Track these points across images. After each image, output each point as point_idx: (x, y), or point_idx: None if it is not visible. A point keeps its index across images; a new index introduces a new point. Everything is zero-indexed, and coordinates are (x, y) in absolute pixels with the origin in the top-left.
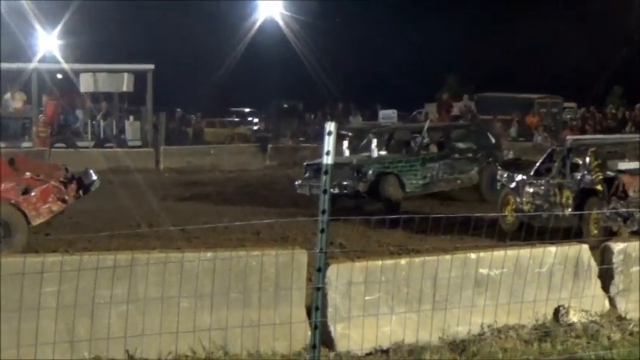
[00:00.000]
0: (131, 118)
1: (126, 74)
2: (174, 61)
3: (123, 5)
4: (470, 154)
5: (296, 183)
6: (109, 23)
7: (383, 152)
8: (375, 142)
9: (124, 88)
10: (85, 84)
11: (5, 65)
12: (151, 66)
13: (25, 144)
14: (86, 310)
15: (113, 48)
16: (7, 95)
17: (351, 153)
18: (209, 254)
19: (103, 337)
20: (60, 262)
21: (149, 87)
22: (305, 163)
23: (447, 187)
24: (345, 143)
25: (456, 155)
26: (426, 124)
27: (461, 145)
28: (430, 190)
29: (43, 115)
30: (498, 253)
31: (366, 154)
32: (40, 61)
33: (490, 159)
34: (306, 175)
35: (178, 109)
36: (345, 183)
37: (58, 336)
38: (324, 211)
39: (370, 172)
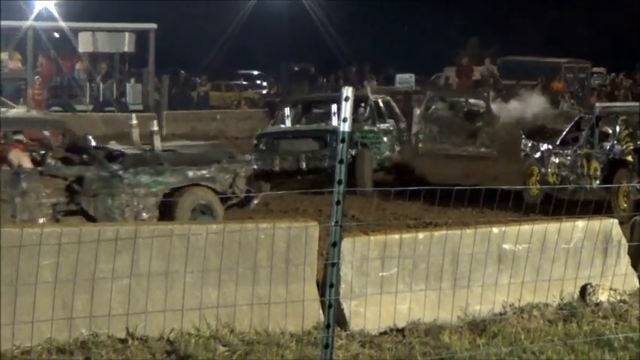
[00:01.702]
0: (132, 80)
1: (127, 34)
2: (177, 21)
3: None
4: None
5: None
6: None
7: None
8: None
9: (125, 49)
10: (84, 44)
11: None
12: (154, 25)
13: (17, 106)
14: (85, 284)
15: (114, 6)
16: (2, 55)
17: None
18: (216, 227)
19: (102, 314)
20: (59, 234)
21: (151, 48)
22: (258, 133)
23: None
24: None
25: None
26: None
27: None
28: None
29: (39, 76)
30: (523, 228)
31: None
32: (37, 18)
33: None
34: (261, 146)
35: (182, 72)
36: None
37: (56, 312)
38: (340, 182)
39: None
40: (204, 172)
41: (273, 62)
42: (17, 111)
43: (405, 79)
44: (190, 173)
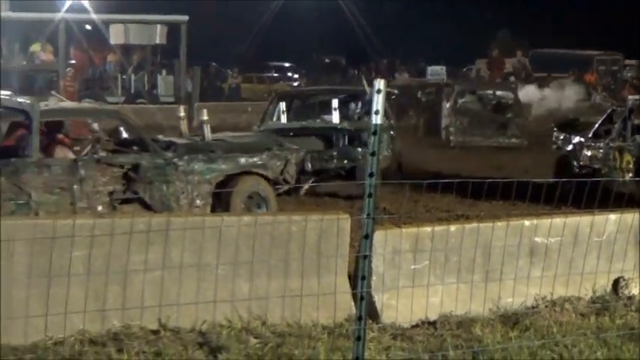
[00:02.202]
0: (164, 72)
1: (159, 26)
2: (209, 13)
3: None
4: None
5: None
6: None
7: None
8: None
9: (157, 41)
10: (116, 36)
11: (32, 15)
12: (185, 17)
13: (53, 97)
14: (117, 276)
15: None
16: (34, 47)
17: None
18: (248, 219)
19: (135, 306)
20: (91, 226)
21: (183, 40)
22: (255, 130)
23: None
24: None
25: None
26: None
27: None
28: None
29: (71, 68)
30: (555, 221)
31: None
32: (69, 11)
33: None
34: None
35: (213, 64)
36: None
37: (88, 304)
38: (371, 174)
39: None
40: (255, 159)
41: (305, 54)
42: (69, 103)
43: (437, 72)
44: (242, 160)
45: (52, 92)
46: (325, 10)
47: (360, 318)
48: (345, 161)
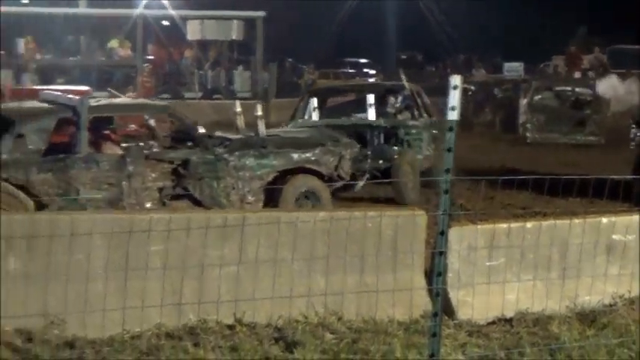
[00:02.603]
0: (240, 68)
1: (235, 22)
2: (286, 8)
3: None
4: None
5: None
6: None
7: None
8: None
9: (233, 37)
10: (193, 31)
11: (110, 12)
12: (262, 13)
13: (130, 94)
14: (194, 271)
15: None
16: (112, 43)
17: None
18: (323, 214)
19: (211, 301)
20: (167, 220)
21: (259, 35)
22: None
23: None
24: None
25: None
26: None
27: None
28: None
29: (149, 64)
30: (633, 218)
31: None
32: (146, 7)
33: None
34: None
35: (290, 60)
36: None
37: (165, 298)
38: (447, 170)
39: (404, 135)
40: (308, 154)
41: (381, 50)
42: (123, 98)
43: (514, 68)
44: (295, 156)
45: (109, 89)
46: (402, 5)
47: (435, 314)
48: (380, 161)
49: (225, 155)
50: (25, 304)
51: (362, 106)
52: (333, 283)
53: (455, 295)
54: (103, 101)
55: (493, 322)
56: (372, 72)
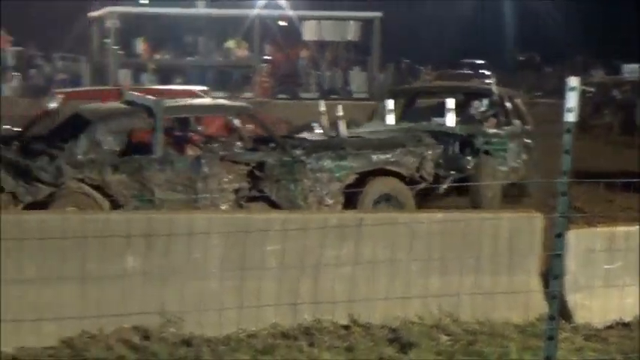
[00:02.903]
0: (357, 68)
1: (352, 22)
2: (403, 9)
3: None
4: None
5: None
6: None
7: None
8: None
9: (350, 37)
10: (310, 32)
11: (228, 12)
12: (378, 14)
13: (247, 94)
14: (310, 271)
15: None
16: (229, 44)
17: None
18: (440, 215)
19: (326, 301)
20: (284, 220)
21: (376, 36)
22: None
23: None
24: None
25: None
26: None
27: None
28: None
29: (266, 64)
30: None
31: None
32: (263, 7)
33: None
34: None
35: (406, 60)
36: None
37: (281, 297)
38: (564, 173)
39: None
40: (388, 156)
41: (499, 51)
42: (198, 99)
43: (633, 69)
44: (374, 157)
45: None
46: (521, 6)
47: (552, 317)
48: (452, 171)
49: (303, 157)
50: (143, 302)
51: (443, 110)
52: (448, 284)
53: (572, 298)
54: (180, 102)
55: (611, 327)
56: (489, 73)
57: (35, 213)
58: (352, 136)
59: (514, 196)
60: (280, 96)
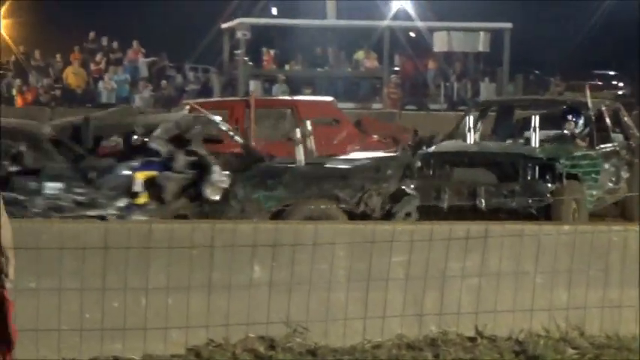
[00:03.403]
0: (486, 79)
1: (482, 33)
2: (532, 20)
3: None
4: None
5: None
6: None
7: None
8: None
9: (480, 48)
10: (439, 43)
11: (357, 23)
12: (509, 25)
13: (376, 105)
14: (435, 282)
15: (468, 5)
16: (359, 54)
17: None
18: (567, 227)
19: (452, 312)
20: (411, 231)
21: (506, 47)
22: (422, 151)
23: (610, 200)
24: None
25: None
26: (588, 97)
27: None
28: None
29: (395, 75)
30: None
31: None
32: (393, 18)
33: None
34: (425, 171)
35: (536, 71)
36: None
37: (406, 308)
38: None
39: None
40: (324, 187)
41: (631, 62)
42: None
43: None
44: (308, 190)
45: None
46: None
47: None
48: (530, 199)
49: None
50: (269, 311)
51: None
52: (575, 297)
53: None
54: None
55: None
56: (621, 84)
57: (164, 222)
58: (311, 163)
59: (616, 217)
60: (408, 107)
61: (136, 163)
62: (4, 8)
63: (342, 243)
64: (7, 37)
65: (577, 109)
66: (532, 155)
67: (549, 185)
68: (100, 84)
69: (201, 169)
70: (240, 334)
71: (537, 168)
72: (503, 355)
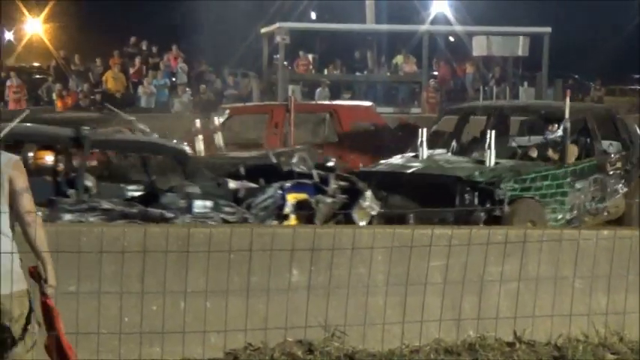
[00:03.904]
0: (525, 84)
1: (521, 37)
2: (571, 24)
3: None
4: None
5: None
6: None
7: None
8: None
9: (519, 53)
10: (478, 47)
11: (396, 27)
12: (548, 29)
13: (414, 109)
14: (473, 286)
15: (508, 9)
16: (398, 59)
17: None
18: (606, 232)
19: (490, 317)
20: (449, 236)
21: (545, 51)
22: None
23: (592, 221)
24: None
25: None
26: (567, 104)
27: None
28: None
29: (434, 79)
30: None
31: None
32: (432, 22)
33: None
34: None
35: (575, 76)
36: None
37: (444, 313)
38: None
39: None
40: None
41: None
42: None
43: None
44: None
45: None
46: None
47: None
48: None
49: None
50: (307, 315)
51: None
52: (614, 302)
53: None
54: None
55: None
56: None
57: (203, 226)
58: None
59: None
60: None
61: (287, 185)
62: (44, 13)
63: (381, 247)
64: (47, 42)
65: (553, 118)
66: (470, 179)
67: (482, 214)
68: (140, 88)
69: (352, 194)
70: (278, 337)
71: (475, 193)
72: None
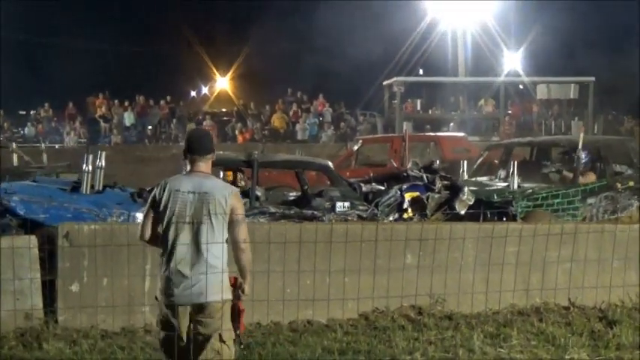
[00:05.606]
0: (576, 119)
1: (572, 85)
2: (613, 72)
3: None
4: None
5: None
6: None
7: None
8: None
9: (571, 96)
10: (541, 92)
11: (480, 79)
12: (592, 78)
13: (494, 138)
14: (538, 266)
15: (561, 63)
16: (482, 102)
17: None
18: (636, 226)
19: (550, 288)
20: (520, 229)
21: (590, 94)
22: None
23: None
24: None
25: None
26: (581, 137)
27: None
28: None
29: (508, 117)
30: None
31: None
32: (507, 75)
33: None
34: None
35: (613, 112)
36: None
37: (517, 285)
38: None
39: (517, 209)
40: None
41: None
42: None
43: None
44: None
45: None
46: None
47: None
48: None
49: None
50: (417, 287)
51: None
52: None
53: None
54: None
55: None
56: None
57: (342, 223)
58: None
59: None
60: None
61: (405, 186)
62: (229, 73)
63: (470, 237)
64: (231, 94)
65: (570, 149)
66: (489, 199)
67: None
68: (297, 126)
69: (453, 190)
70: (396, 303)
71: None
72: (589, 320)
